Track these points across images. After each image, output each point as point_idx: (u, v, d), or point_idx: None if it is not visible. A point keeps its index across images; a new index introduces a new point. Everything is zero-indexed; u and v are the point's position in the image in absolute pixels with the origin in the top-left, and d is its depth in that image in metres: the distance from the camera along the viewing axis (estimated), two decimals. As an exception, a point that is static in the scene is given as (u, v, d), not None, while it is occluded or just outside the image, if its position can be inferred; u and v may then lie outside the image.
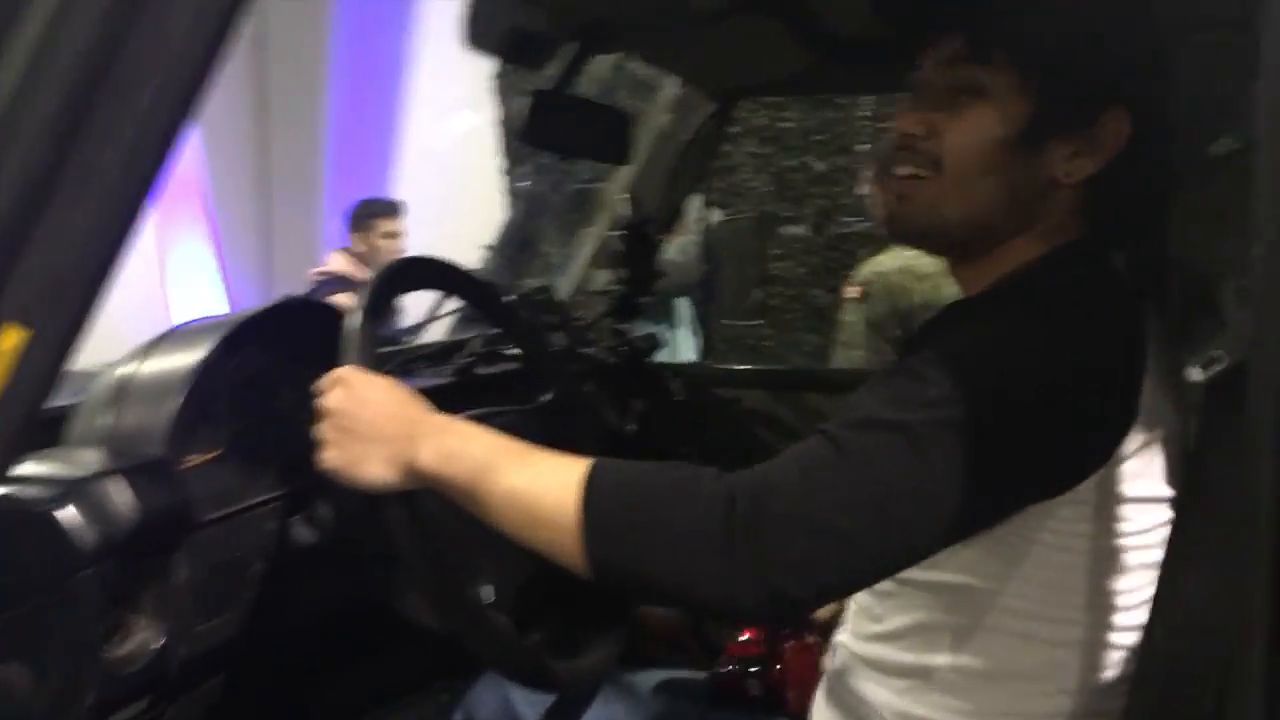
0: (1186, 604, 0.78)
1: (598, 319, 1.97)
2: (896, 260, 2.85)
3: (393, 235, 4.12)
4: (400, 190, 5.86)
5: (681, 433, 2.01)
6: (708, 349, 2.30)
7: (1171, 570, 0.80)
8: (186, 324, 1.17)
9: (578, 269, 2.10)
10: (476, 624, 0.95)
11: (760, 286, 4.00)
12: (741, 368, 2.14)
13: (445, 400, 1.41)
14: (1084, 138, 0.92)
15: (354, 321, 1.00)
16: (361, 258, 4.01)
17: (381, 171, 5.96)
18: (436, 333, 1.79)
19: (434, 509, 0.95)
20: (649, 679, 1.28)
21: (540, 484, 0.88)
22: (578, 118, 1.41)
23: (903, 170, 0.98)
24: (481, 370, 1.56)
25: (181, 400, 1.02)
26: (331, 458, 0.95)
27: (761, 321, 2.16)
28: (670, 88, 1.97)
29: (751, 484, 0.82)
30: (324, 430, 0.95)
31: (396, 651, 1.20)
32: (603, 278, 2.04)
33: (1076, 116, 0.92)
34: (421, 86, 5.77)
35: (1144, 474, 0.84)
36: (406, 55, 5.79)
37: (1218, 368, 0.69)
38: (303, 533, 1.02)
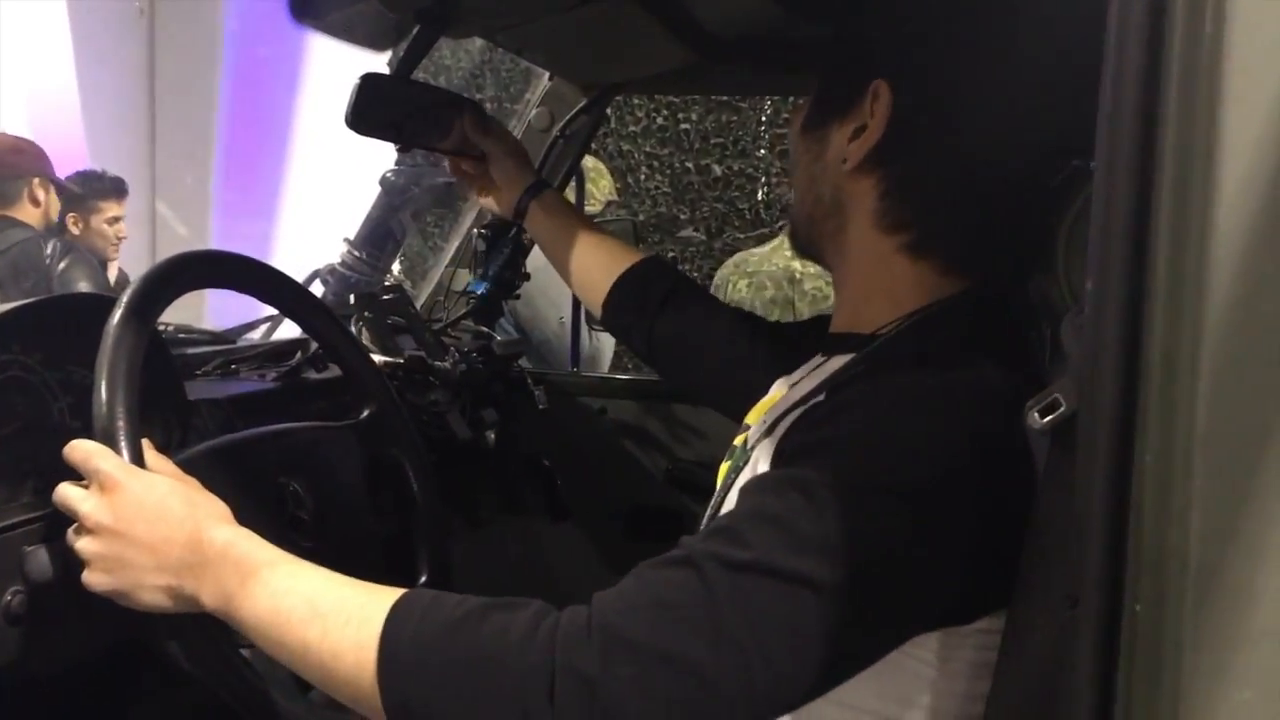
0: (1023, 674, 0.70)
1: (456, 321, 1.87)
2: (743, 255, 2.95)
3: (117, 220, 3.63)
4: (292, 173, 5.71)
5: (542, 444, 1.91)
6: (576, 356, 2.20)
7: (1011, 632, 0.72)
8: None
9: (438, 268, 1.98)
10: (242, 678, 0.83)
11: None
12: (610, 377, 2.05)
13: (263, 409, 1.31)
14: (858, 119, 0.88)
15: (109, 374, 0.87)
16: (76, 241, 3.45)
17: (274, 159, 5.76)
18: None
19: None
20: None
21: (334, 642, 0.77)
22: (417, 105, 1.29)
23: None
24: (311, 376, 1.44)
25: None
26: (98, 582, 0.83)
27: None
28: (542, 78, 1.87)
29: (589, 636, 0.71)
30: (86, 547, 0.83)
31: (174, 701, 1.07)
32: (465, 277, 1.93)
33: (842, 93, 0.90)
34: (317, 69, 5.58)
35: None
36: (302, 39, 5.60)
37: (1057, 413, 0.61)
38: (42, 564, 0.88)
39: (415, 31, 1.27)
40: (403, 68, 1.29)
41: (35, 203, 3.16)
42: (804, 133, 0.95)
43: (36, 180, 3.15)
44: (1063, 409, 0.62)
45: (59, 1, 5.30)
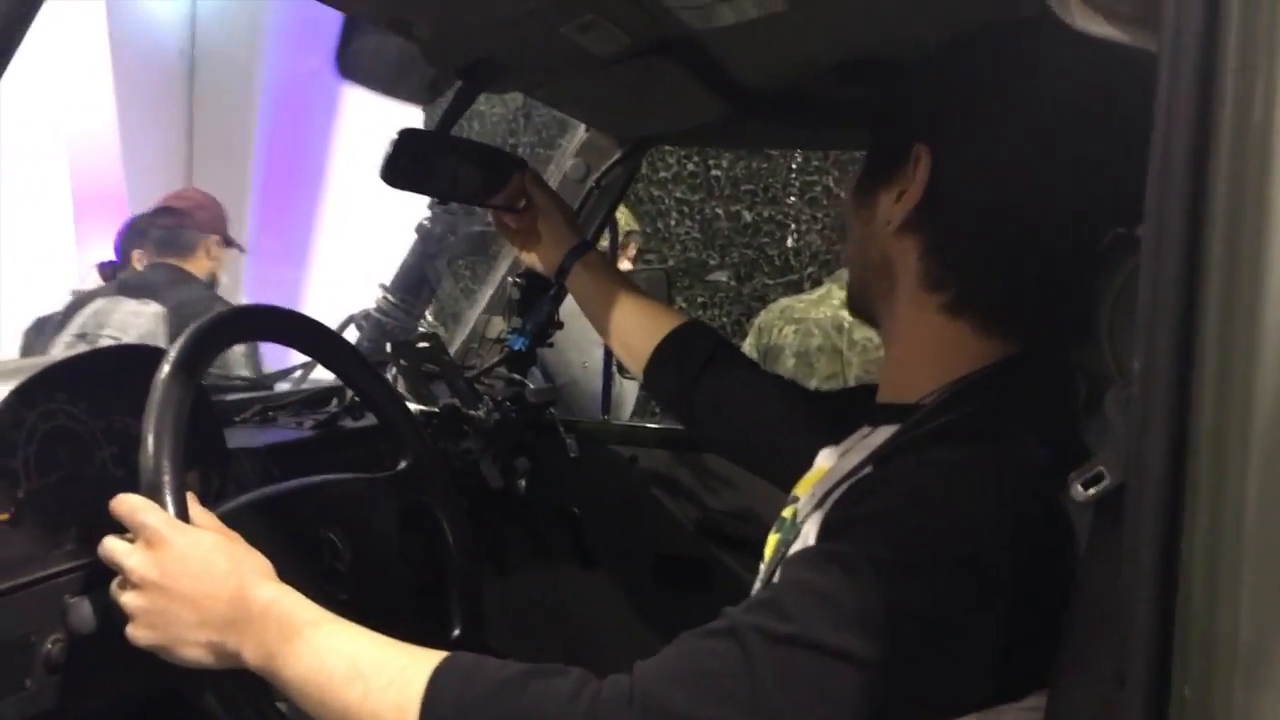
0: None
1: (490, 369, 1.88)
2: (788, 301, 2.91)
3: None
4: (327, 223, 5.77)
5: (572, 492, 1.91)
6: (607, 404, 2.21)
7: (1055, 709, 0.72)
8: (-7, 366, 1.06)
9: (472, 315, 2.00)
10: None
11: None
12: (641, 425, 2.06)
13: (300, 457, 1.32)
14: (902, 183, 0.90)
15: (156, 428, 0.89)
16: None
17: (309, 200, 5.82)
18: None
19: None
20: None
21: (375, 704, 0.77)
22: (459, 160, 1.31)
23: None
24: (347, 424, 1.45)
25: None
26: (142, 636, 0.85)
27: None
28: (577, 130, 1.89)
29: (630, 705, 0.71)
30: (131, 602, 0.85)
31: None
32: (499, 324, 1.95)
33: (888, 159, 0.92)
34: (352, 118, 5.65)
35: None
36: (338, 90, 5.67)
37: (1100, 486, 0.61)
38: (85, 616, 0.89)
39: (457, 88, 1.29)
40: (444, 123, 1.31)
41: (209, 256, 3.26)
42: (855, 200, 0.98)
43: (214, 237, 3.26)
44: (1106, 482, 0.62)
45: (102, 49, 5.40)
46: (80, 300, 3.00)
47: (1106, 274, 0.75)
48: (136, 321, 2.85)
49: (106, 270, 3.51)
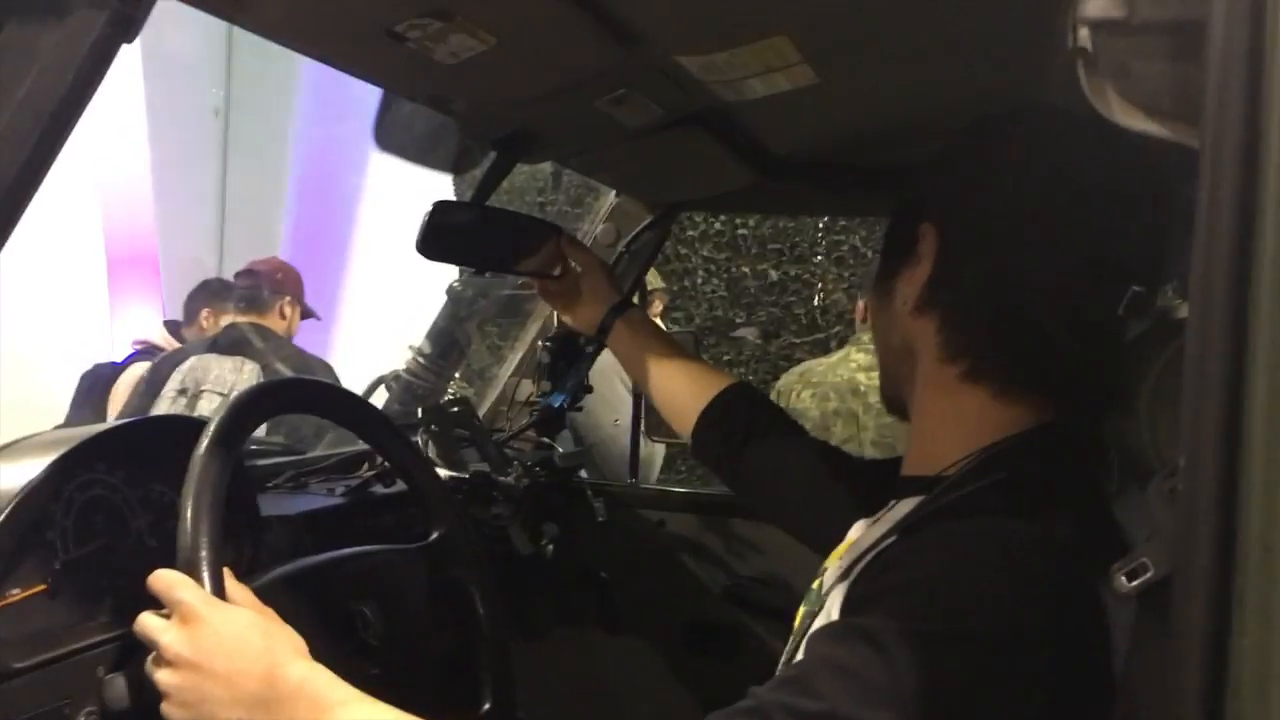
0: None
1: (520, 432, 1.88)
2: (809, 364, 2.92)
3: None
4: (354, 280, 5.83)
5: (600, 556, 1.90)
6: (635, 468, 2.20)
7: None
8: (32, 437, 1.06)
9: (501, 376, 2.01)
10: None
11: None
12: (669, 489, 2.05)
13: (332, 524, 1.32)
14: (913, 265, 0.93)
15: (195, 504, 0.89)
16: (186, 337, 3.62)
17: (338, 257, 5.88)
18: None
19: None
20: None
21: None
22: (493, 229, 1.32)
23: None
24: (378, 490, 1.46)
25: (-5, 529, 0.90)
26: (176, 714, 0.85)
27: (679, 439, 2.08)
28: (607, 196, 1.91)
29: None
30: (165, 679, 0.85)
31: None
32: (528, 387, 1.95)
33: (901, 247, 0.94)
34: (381, 180, 5.71)
35: None
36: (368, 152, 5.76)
37: (1144, 578, 0.60)
38: (120, 693, 0.89)
39: (492, 159, 1.31)
40: (479, 195, 1.32)
41: (282, 316, 3.41)
42: (876, 291, 1.00)
43: (288, 299, 3.42)
44: (1150, 574, 0.61)
45: (138, 100, 5.50)
46: (171, 358, 3.11)
47: (1144, 357, 0.75)
48: (237, 379, 2.96)
49: (173, 328, 3.70)
